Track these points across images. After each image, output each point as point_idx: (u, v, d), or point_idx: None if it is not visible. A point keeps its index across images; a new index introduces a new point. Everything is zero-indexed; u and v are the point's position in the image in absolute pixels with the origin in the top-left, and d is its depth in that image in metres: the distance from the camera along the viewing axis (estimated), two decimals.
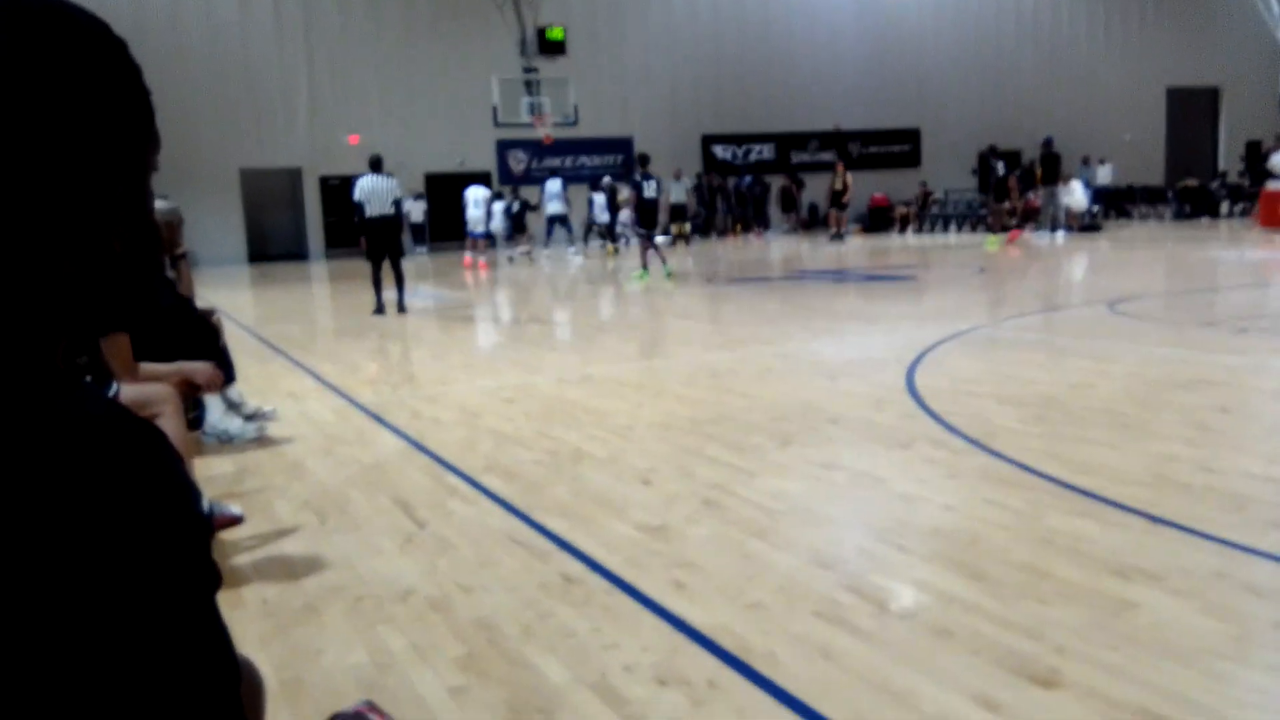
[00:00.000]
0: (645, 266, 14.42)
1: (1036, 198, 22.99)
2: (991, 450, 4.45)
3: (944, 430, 4.89)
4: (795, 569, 3.19)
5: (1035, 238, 19.09)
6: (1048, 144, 19.55)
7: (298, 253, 24.96)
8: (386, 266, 11.34)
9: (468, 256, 18.67)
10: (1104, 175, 25.57)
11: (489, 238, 19.71)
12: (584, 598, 3.04)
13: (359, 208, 11.03)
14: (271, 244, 25.03)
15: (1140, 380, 5.94)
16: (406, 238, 24.91)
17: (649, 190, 14.26)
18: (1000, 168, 17.93)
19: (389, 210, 11.08)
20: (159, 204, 5.73)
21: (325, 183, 24.85)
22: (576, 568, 3.29)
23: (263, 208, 24.96)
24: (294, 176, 24.87)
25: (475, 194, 18.93)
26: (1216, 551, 3.14)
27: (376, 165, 11.30)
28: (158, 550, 0.61)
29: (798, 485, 4.18)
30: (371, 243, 11.21)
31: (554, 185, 20.54)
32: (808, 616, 2.81)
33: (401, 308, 11.36)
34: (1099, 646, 2.53)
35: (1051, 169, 19.49)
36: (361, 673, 2.62)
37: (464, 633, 2.83)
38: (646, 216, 14.47)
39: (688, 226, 25.17)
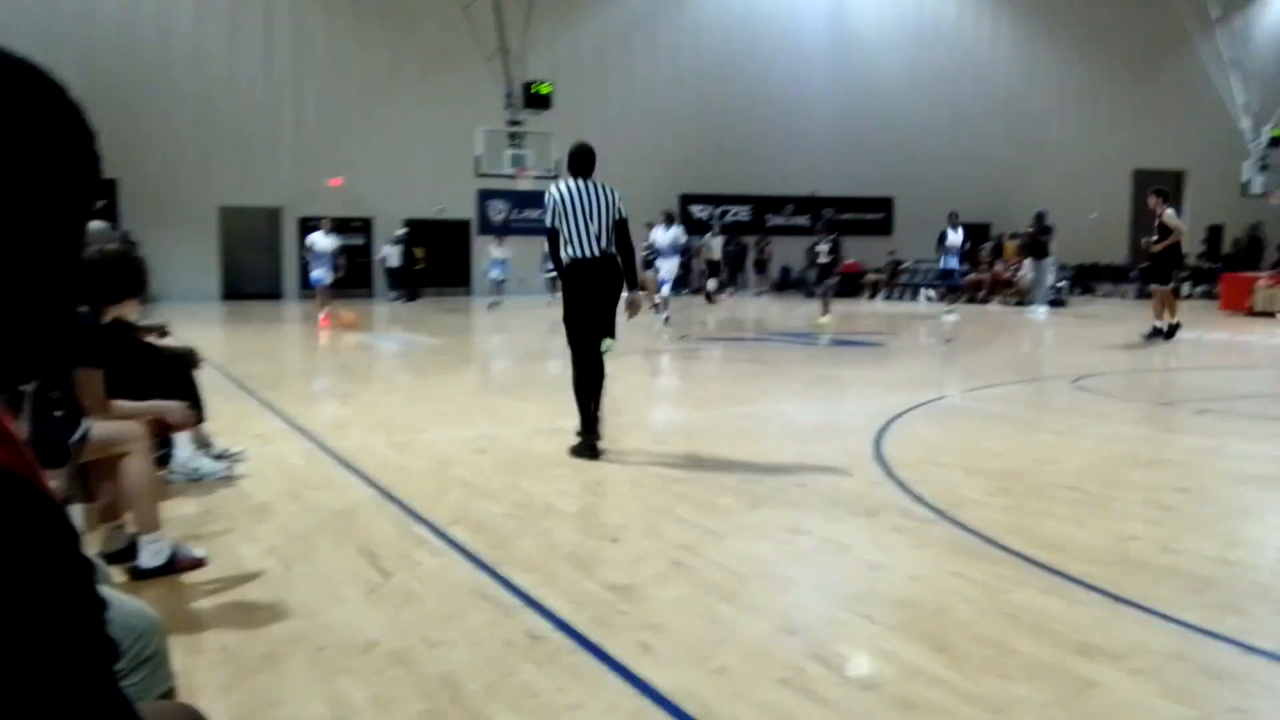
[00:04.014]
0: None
1: (1006, 271, 23.38)
2: (957, 522, 4.49)
3: (910, 499, 4.93)
4: (762, 634, 3.20)
5: (1018, 311, 19.41)
6: (1040, 218, 19.84)
7: (273, 292, 24.89)
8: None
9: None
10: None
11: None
12: (549, 656, 3.02)
13: (551, 238, 5.97)
14: (247, 282, 24.94)
15: (1103, 457, 6.02)
16: (381, 280, 25.21)
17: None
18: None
19: (601, 247, 5.86)
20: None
21: (305, 223, 24.87)
22: (542, 625, 3.28)
23: (240, 246, 24.93)
24: (273, 216, 24.88)
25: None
26: (1176, 633, 3.18)
27: (580, 162, 5.98)
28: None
29: (766, 549, 4.19)
30: (571, 300, 6.00)
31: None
32: (773, 683, 2.81)
33: (590, 447, 5.90)
34: None
35: (1042, 244, 19.74)
36: None
37: (426, 688, 2.80)
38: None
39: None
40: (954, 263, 19.09)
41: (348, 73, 25.10)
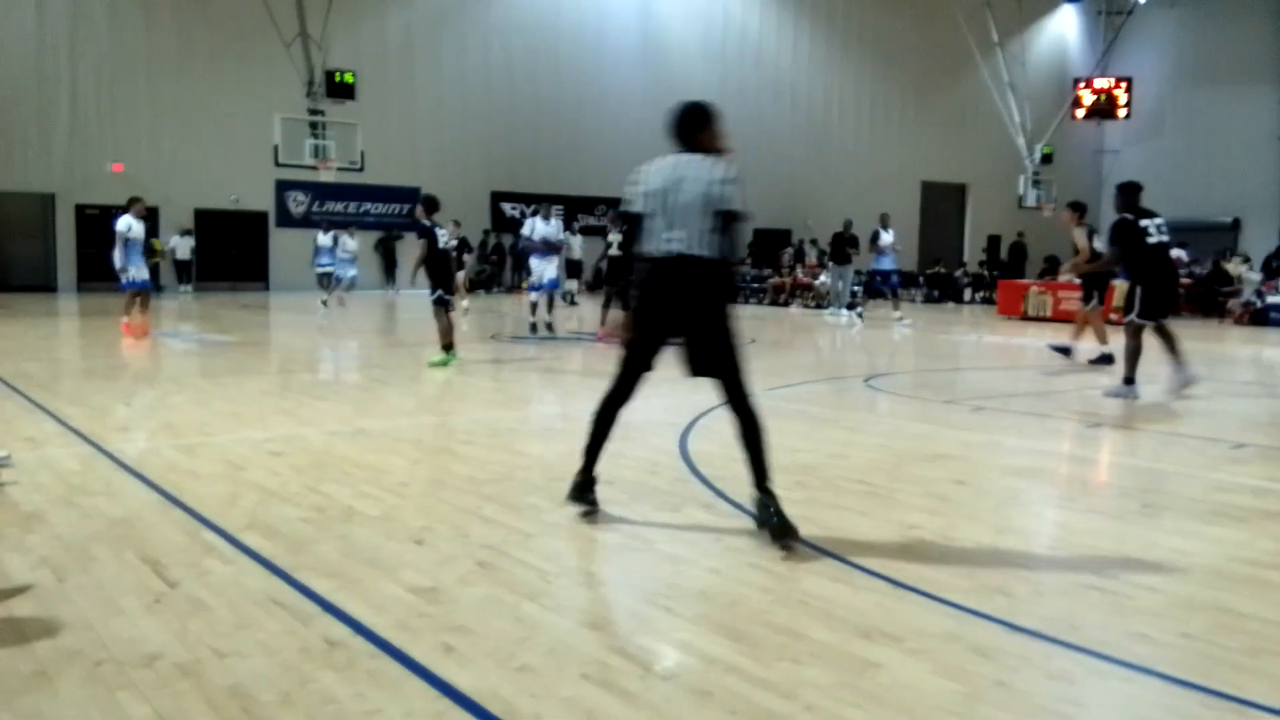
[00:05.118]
0: (448, 347, 10.56)
1: (806, 276, 24.40)
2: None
3: (713, 495, 5.09)
4: (566, 631, 3.23)
5: (817, 314, 20.22)
6: (847, 225, 20.31)
7: (45, 285, 23.09)
8: None
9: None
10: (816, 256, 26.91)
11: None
12: (347, 662, 2.95)
13: (629, 227, 4.61)
14: (15, 274, 23.06)
15: (889, 452, 6.39)
16: (169, 274, 23.75)
17: (444, 239, 10.71)
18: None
19: (686, 245, 4.27)
20: None
21: (82, 211, 23.17)
22: (341, 631, 3.19)
23: (7, 234, 23.02)
24: (46, 202, 23.08)
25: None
26: (950, 615, 3.42)
27: (680, 128, 4.57)
28: None
29: (572, 546, 4.23)
30: (637, 311, 4.46)
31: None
32: (575, 679, 2.84)
33: (580, 487, 4.75)
34: (845, 705, 2.70)
35: (841, 249, 20.11)
36: None
37: (216, 700, 2.68)
38: (441, 272, 10.56)
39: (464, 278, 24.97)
40: (888, 263, 18.82)
41: (131, 50, 23.55)
